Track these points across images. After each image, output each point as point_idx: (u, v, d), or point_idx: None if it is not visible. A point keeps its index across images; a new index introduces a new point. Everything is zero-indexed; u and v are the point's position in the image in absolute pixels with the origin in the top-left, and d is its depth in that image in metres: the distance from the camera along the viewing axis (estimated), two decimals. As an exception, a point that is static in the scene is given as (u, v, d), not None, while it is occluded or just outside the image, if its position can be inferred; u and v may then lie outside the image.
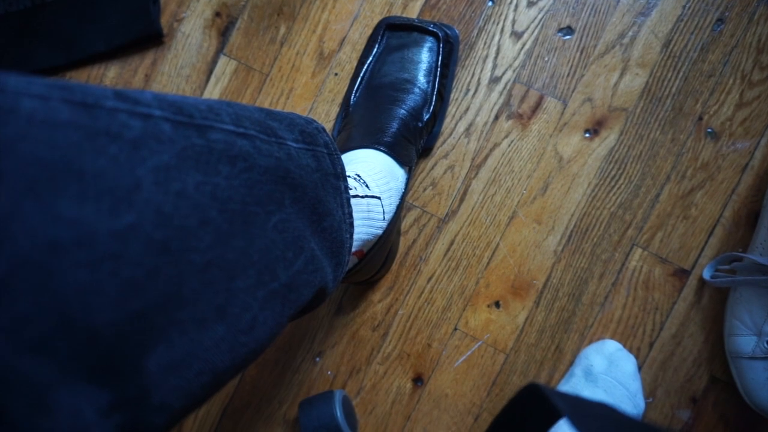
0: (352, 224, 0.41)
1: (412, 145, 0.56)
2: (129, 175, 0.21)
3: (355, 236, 0.45)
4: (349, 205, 0.40)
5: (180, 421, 0.27)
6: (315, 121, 0.39)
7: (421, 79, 0.58)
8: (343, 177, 0.40)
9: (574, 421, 0.25)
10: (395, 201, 0.53)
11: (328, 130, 0.64)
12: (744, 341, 0.53)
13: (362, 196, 0.47)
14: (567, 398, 0.27)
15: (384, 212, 0.50)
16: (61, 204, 0.19)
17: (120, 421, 0.22)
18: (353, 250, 0.46)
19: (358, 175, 0.49)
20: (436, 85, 0.58)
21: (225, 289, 0.26)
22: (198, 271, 0.24)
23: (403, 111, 0.56)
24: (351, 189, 0.46)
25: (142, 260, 0.22)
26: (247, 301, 0.28)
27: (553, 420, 0.28)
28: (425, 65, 0.59)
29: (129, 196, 0.21)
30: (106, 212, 0.20)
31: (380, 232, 0.50)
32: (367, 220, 0.47)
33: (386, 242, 0.54)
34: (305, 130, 0.36)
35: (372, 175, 0.50)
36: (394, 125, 0.55)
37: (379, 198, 0.49)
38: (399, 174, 0.54)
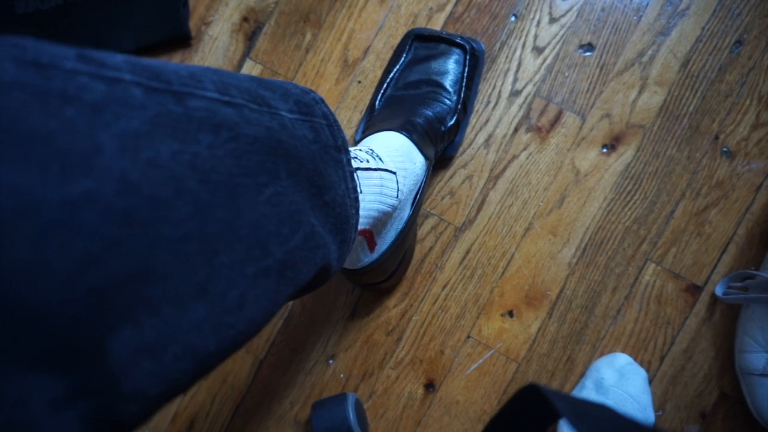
0: (357, 199, 0.39)
1: (432, 144, 0.56)
2: (87, 140, 0.19)
3: (364, 211, 0.43)
4: (353, 179, 0.38)
5: (160, 407, 0.25)
6: (312, 91, 0.37)
7: (448, 89, 0.59)
8: (344, 149, 0.38)
9: (573, 422, 0.25)
10: (411, 184, 0.51)
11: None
12: (755, 358, 0.54)
13: (375, 169, 0.45)
14: (566, 399, 0.27)
15: (398, 190, 0.48)
16: None
17: (83, 411, 0.20)
18: (362, 227, 0.44)
19: (371, 149, 0.47)
20: (462, 97, 0.59)
21: (206, 264, 0.24)
22: (172, 245, 0.22)
23: (428, 112, 0.56)
24: (363, 162, 0.44)
25: (101, 231, 0.19)
26: (232, 278, 0.26)
27: (551, 420, 0.28)
28: (452, 76, 0.60)
29: (86, 161, 0.19)
30: (55, 178, 0.18)
31: (390, 210, 0.48)
32: (379, 195, 0.45)
33: (403, 242, 0.54)
34: (301, 100, 0.34)
35: (387, 152, 0.48)
36: (419, 119, 0.54)
37: (394, 173, 0.47)
38: (418, 159, 0.53)
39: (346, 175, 0.38)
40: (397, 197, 0.48)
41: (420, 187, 0.55)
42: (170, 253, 0.22)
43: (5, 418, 0.18)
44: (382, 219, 0.48)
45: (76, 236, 0.19)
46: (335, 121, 0.37)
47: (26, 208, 0.18)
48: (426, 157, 0.54)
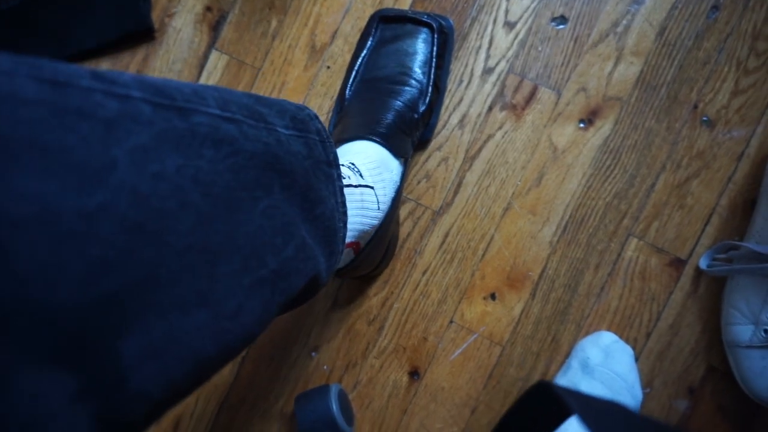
0: (345, 213, 0.41)
1: (407, 137, 0.56)
2: (102, 155, 0.21)
3: (349, 226, 0.44)
4: (342, 194, 0.40)
5: (164, 413, 0.26)
6: (307, 107, 0.38)
7: (417, 70, 0.58)
8: (335, 165, 0.39)
9: (585, 419, 0.25)
10: (390, 192, 0.53)
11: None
12: (741, 330, 0.53)
13: (356, 186, 0.46)
14: (577, 396, 0.27)
15: (378, 202, 0.50)
16: (20, 179, 0.18)
17: (93, 409, 0.21)
18: (348, 240, 0.45)
19: (353, 164, 0.48)
20: (432, 77, 0.58)
21: (207, 273, 0.26)
22: (177, 254, 0.24)
23: (399, 103, 0.56)
24: (345, 178, 0.45)
25: (114, 240, 0.21)
26: (231, 286, 0.27)
27: (562, 418, 0.28)
28: (420, 57, 0.58)
29: (101, 175, 0.21)
30: (73, 190, 0.20)
31: (375, 222, 0.49)
32: (362, 210, 0.47)
33: (384, 235, 0.53)
34: (296, 116, 0.36)
35: (366, 165, 0.50)
36: (390, 116, 0.54)
37: (372, 188, 0.49)
38: (393, 166, 0.54)
39: (336, 189, 0.39)
40: (378, 209, 0.49)
41: (398, 186, 0.55)
42: (175, 262, 0.24)
43: (26, 410, 0.19)
44: (369, 231, 0.49)
45: (91, 244, 0.20)
46: (328, 137, 0.39)
47: (46, 215, 0.19)
48: (402, 157, 0.55)
